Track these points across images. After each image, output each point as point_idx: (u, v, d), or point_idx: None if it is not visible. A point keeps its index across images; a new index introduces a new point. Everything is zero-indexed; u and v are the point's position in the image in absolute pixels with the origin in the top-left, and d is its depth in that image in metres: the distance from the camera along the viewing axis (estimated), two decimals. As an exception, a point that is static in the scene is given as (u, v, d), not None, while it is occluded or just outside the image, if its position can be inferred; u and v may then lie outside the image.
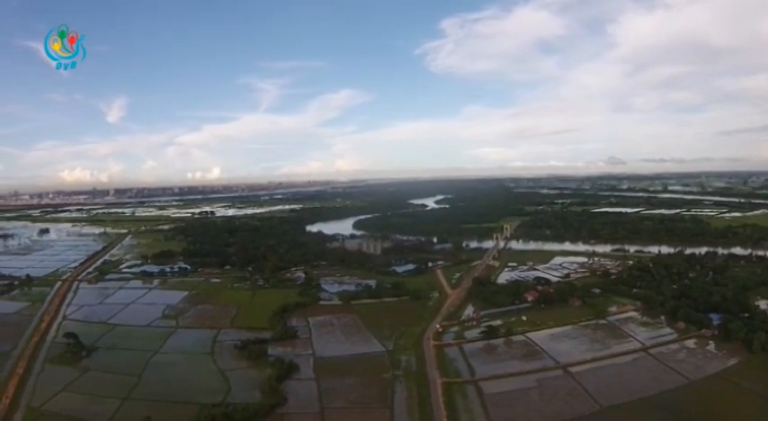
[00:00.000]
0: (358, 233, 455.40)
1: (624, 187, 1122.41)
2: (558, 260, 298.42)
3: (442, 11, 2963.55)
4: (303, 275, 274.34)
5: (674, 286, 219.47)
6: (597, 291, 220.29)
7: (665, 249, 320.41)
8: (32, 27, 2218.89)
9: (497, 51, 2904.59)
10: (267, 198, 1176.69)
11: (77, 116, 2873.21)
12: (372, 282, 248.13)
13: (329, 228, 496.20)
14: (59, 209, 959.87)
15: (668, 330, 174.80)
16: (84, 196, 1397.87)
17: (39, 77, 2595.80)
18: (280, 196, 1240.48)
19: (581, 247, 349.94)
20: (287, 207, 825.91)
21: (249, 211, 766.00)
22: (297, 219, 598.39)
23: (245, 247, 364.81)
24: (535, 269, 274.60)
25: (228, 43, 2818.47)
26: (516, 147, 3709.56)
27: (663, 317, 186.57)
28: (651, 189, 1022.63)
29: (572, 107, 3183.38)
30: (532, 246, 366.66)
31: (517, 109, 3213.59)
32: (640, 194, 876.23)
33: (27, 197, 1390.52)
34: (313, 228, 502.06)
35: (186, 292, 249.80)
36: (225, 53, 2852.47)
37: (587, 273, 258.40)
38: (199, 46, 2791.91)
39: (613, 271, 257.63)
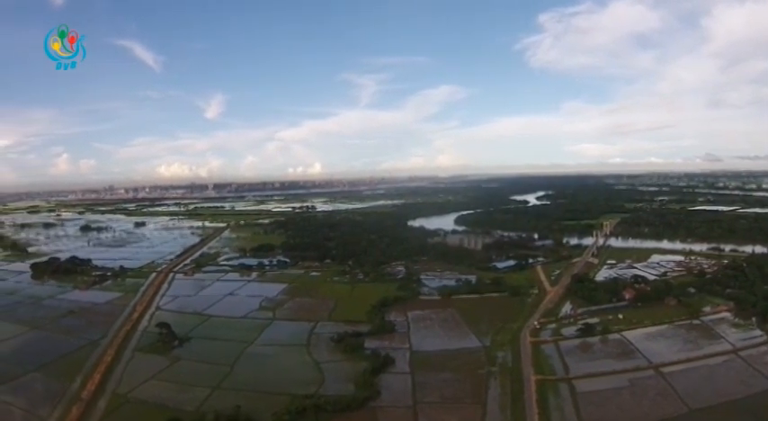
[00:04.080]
0: (459, 228, 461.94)
1: (720, 184, 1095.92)
2: (655, 258, 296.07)
3: (540, 5, 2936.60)
4: (403, 270, 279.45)
5: (766, 286, 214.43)
6: (692, 290, 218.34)
7: (759, 249, 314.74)
8: (125, 26, 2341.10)
9: (595, 46, 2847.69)
10: (369, 193, 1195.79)
11: (174, 112, 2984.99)
12: (472, 278, 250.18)
13: (431, 223, 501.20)
14: (156, 203, 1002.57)
15: (758, 332, 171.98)
16: (181, 191, 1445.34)
17: (132, 75, 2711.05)
18: (381, 191, 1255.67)
19: (678, 246, 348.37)
20: (388, 202, 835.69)
21: (350, 206, 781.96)
22: (398, 214, 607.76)
23: (345, 241, 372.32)
24: (633, 267, 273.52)
25: (327, 39, 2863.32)
26: (615, 143, 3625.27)
27: (754, 319, 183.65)
28: (747, 187, 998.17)
29: (669, 103, 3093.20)
30: (631, 243, 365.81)
31: (615, 104, 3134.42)
32: (736, 192, 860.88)
33: (122, 191, 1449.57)
34: (414, 224, 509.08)
35: (284, 285, 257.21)
36: (323, 49, 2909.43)
37: (684, 272, 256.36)
38: (297, 42, 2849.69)
39: (709, 270, 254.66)
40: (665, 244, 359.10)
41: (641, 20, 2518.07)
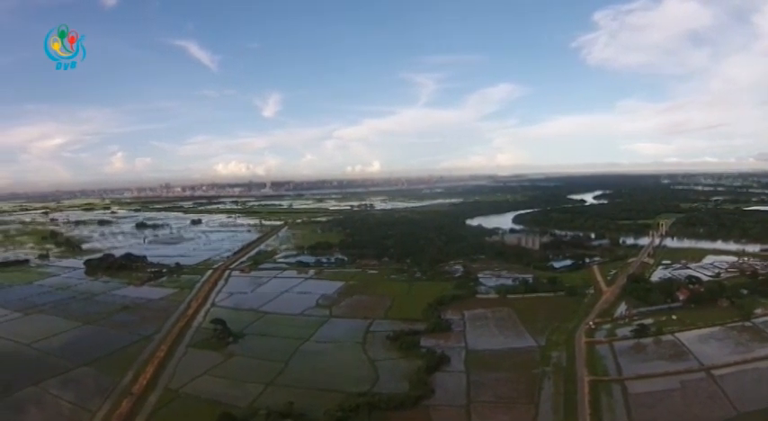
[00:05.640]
0: (517, 227, 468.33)
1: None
2: (709, 259, 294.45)
3: (595, 2, 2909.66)
4: (461, 268, 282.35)
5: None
6: (745, 291, 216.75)
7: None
8: (180, 26, 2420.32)
9: (649, 43, 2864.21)
10: (427, 192, 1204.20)
11: (231, 111, 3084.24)
12: (529, 277, 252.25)
13: (489, 222, 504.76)
14: (213, 200, 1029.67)
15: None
16: (239, 189, 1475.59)
17: (189, 74, 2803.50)
18: (440, 190, 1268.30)
19: (732, 246, 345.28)
20: (447, 201, 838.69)
21: (409, 205, 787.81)
22: (456, 212, 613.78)
23: (403, 240, 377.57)
24: (687, 267, 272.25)
25: (384, 38, 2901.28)
26: (670, 142, 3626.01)
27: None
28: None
29: (722, 101, 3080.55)
30: (686, 243, 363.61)
31: (669, 103, 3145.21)
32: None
33: (179, 189, 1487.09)
34: (472, 222, 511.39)
35: (342, 283, 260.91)
36: (381, 48, 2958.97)
37: (737, 273, 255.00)
38: (353, 41, 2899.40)
39: (762, 271, 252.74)
40: (719, 244, 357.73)
41: (694, 17, 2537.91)
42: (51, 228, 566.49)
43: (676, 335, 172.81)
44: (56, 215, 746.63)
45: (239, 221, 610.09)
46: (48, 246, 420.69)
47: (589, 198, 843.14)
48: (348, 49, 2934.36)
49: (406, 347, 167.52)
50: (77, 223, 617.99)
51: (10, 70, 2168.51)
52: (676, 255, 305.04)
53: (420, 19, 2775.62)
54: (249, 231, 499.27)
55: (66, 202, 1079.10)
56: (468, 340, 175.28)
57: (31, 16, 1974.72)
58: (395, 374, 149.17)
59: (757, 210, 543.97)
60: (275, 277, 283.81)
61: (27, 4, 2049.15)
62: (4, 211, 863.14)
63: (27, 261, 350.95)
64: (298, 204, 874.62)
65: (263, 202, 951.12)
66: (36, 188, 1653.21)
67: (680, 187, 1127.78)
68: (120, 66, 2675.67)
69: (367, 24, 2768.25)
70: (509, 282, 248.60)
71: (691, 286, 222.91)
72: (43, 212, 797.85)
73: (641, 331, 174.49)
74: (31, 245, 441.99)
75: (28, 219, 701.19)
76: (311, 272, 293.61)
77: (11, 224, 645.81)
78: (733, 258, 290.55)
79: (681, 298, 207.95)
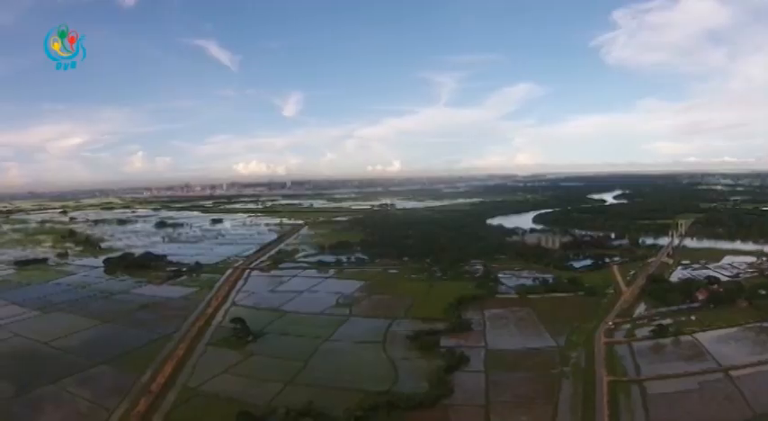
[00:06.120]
0: (537, 227, 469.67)
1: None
2: (728, 259, 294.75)
3: (614, 1, 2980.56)
4: (481, 268, 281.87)
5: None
6: (763, 292, 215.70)
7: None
8: (199, 26, 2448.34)
9: (668, 43, 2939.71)
10: (448, 191, 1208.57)
11: (251, 111, 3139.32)
12: (549, 277, 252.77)
13: (509, 221, 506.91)
14: (233, 200, 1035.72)
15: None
16: (259, 188, 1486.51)
17: (209, 74, 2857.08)
18: (460, 189, 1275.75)
19: (750, 246, 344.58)
20: (467, 200, 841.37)
21: (429, 204, 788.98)
22: (477, 212, 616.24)
23: (423, 239, 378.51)
24: (707, 268, 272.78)
25: (404, 37, 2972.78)
26: (689, 141, 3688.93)
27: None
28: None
29: (741, 100, 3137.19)
30: (705, 243, 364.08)
31: (688, 102, 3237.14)
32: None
33: (199, 188, 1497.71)
34: (493, 222, 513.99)
35: (362, 282, 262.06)
36: (401, 47, 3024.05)
37: (756, 273, 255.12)
38: (374, 40, 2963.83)
39: None
40: (737, 244, 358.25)
41: (712, 16, 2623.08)
42: (70, 226, 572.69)
43: (695, 335, 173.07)
44: (75, 214, 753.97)
45: (260, 220, 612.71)
46: (67, 244, 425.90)
47: (609, 198, 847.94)
48: (368, 49, 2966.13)
49: (426, 347, 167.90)
50: (97, 222, 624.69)
51: (29, 70, 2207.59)
52: (695, 255, 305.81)
53: (439, 18, 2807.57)
54: (269, 230, 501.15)
55: (85, 201, 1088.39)
56: (487, 340, 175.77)
57: (48, 16, 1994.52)
58: (414, 374, 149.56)
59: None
60: (295, 276, 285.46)
61: (45, 4, 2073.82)
62: (23, 210, 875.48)
63: (46, 260, 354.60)
64: (318, 203, 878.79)
65: (283, 202, 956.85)
66: (54, 187, 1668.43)
67: (699, 187, 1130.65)
68: (139, 65, 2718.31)
69: (386, 23, 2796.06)
70: (529, 281, 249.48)
71: (710, 286, 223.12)
72: (61, 211, 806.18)
73: (660, 331, 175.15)
74: (49, 243, 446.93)
75: (47, 218, 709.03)
76: (331, 271, 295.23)
77: (30, 223, 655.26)
78: (752, 258, 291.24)
79: (700, 298, 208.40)
